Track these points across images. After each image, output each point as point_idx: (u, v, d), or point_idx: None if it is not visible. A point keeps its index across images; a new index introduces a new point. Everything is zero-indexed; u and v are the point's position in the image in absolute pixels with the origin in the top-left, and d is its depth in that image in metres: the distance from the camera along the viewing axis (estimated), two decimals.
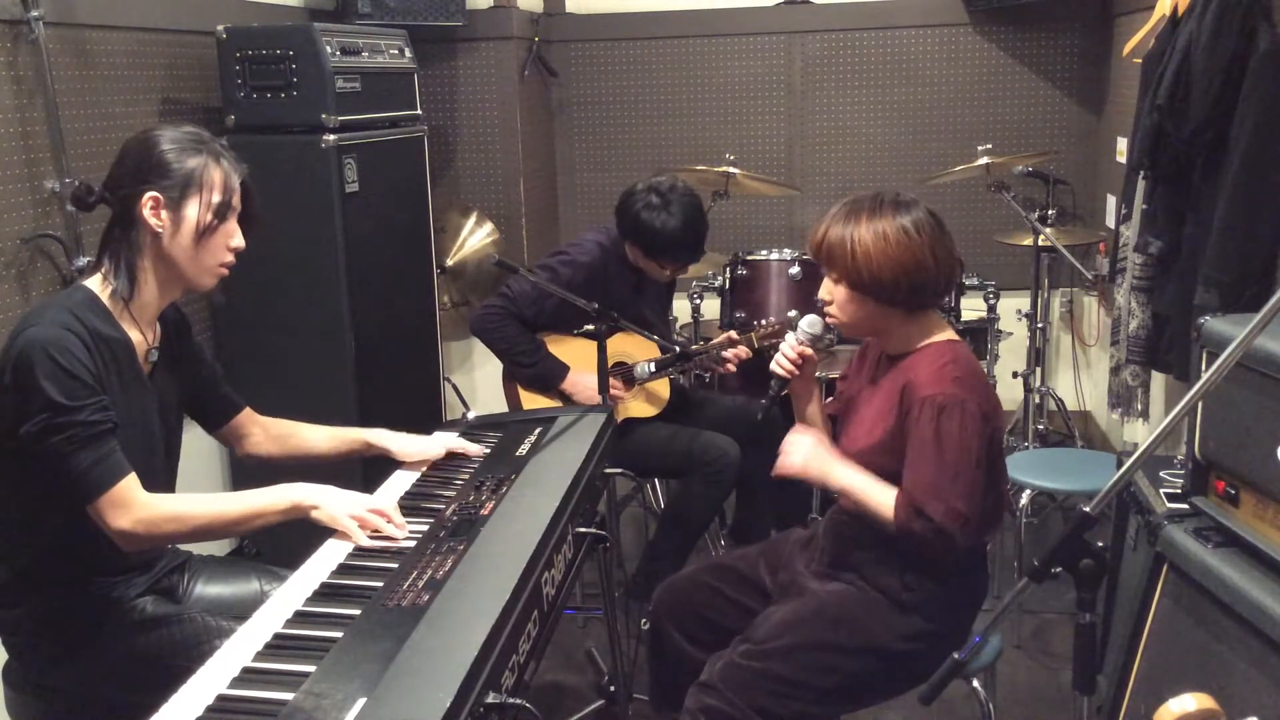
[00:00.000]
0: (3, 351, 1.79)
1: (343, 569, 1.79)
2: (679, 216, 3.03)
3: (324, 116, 3.22)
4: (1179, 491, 2.19)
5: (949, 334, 2.12)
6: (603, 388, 2.78)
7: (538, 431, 2.37)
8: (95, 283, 1.87)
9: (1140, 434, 3.74)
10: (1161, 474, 2.35)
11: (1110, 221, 4.06)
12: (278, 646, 1.55)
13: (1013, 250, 4.39)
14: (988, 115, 4.77)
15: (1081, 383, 4.88)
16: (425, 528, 1.90)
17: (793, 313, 3.51)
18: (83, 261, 2.72)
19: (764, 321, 3.41)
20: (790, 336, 2.23)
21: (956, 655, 1.55)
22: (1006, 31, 4.71)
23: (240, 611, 1.80)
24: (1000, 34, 4.72)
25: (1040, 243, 3.99)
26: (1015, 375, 4.32)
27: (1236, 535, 1.94)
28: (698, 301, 3.97)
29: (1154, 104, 2.88)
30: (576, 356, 3.14)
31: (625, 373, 3.19)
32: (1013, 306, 4.32)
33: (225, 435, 2.21)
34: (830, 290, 2.10)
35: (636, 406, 3.21)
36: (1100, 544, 1.47)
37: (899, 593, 2.06)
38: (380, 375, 3.47)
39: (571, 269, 3.10)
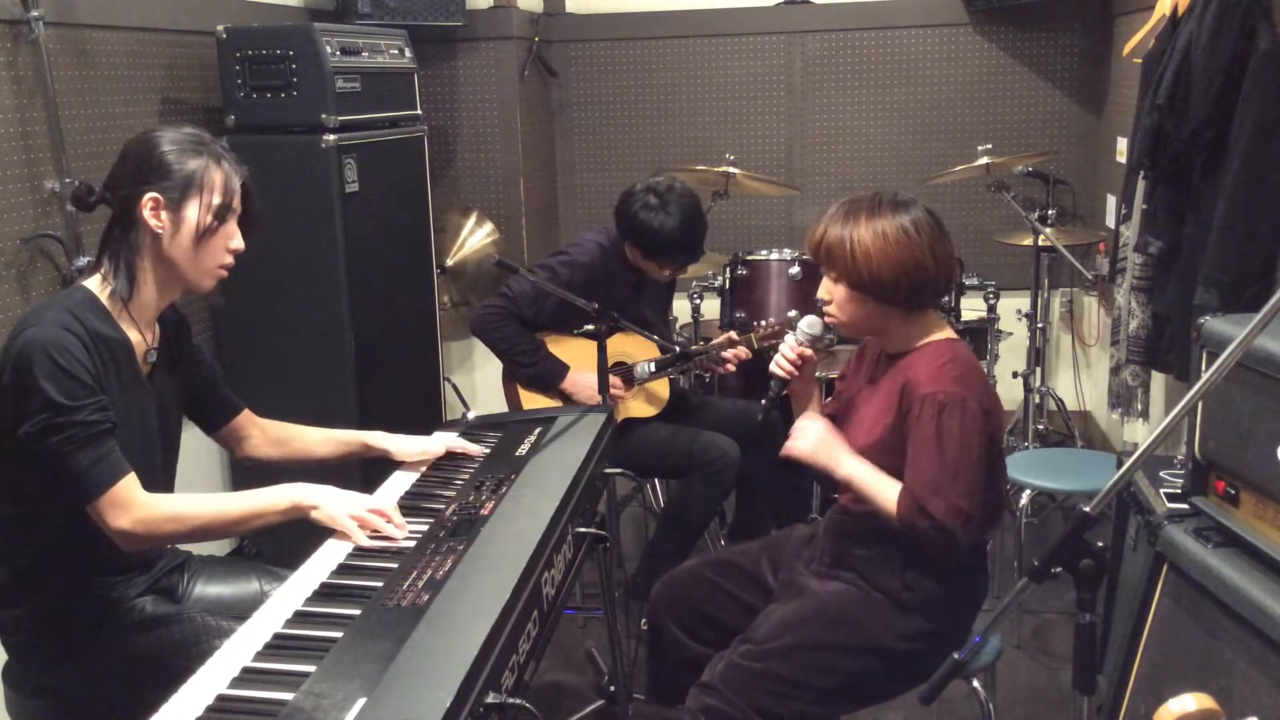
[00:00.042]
0: (2, 351, 1.79)
1: (343, 569, 1.79)
2: (676, 217, 3.04)
3: (324, 116, 3.22)
4: (1179, 491, 2.19)
5: (948, 332, 2.12)
6: (603, 388, 2.78)
7: (538, 431, 2.37)
8: (94, 283, 1.87)
9: (1140, 434, 3.74)
10: (1161, 474, 2.35)
11: (1110, 221, 4.06)
12: (278, 646, 1.55)
13: (1013, 250, 4.39)
14: (988, 115, 4.77)
15: (1081, 383, 4.88)
16: (425, 528, 1.90)
17: (793, 313, 3.51)
18: (83, 261, 2.72)
19: (764, 322, 3.41)
20: (789, 337, 2.23)
21: (956, 655, 1.55)
22: (1006, 31, 4.71)
23: (240, 611, 1.80)
24: (1000, 34, 4.72)
25: (1040, 243, 3.99)
26: (1015, 375, 4.32)
27: (1236, 535, 1.94)
28: (698, 301, 3.97)
29: (1154, 104, 2.88)
30: (576, 356, 3.14)
31: (625, 373, 3.19)
32: (1013, 306, 4.32)
33: (224, 437, 2.21)
34: (829, 290, 2.10)
35: (636, 406, 3.21)
36: (1100, 544, 1.47)
37: (899, 592, 2.06)
38: (380, 375, 3.47)
39: (571, 269, 3.10)
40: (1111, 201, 4.14)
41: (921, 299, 2.06)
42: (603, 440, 2.32)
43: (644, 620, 2.47)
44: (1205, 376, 1.41)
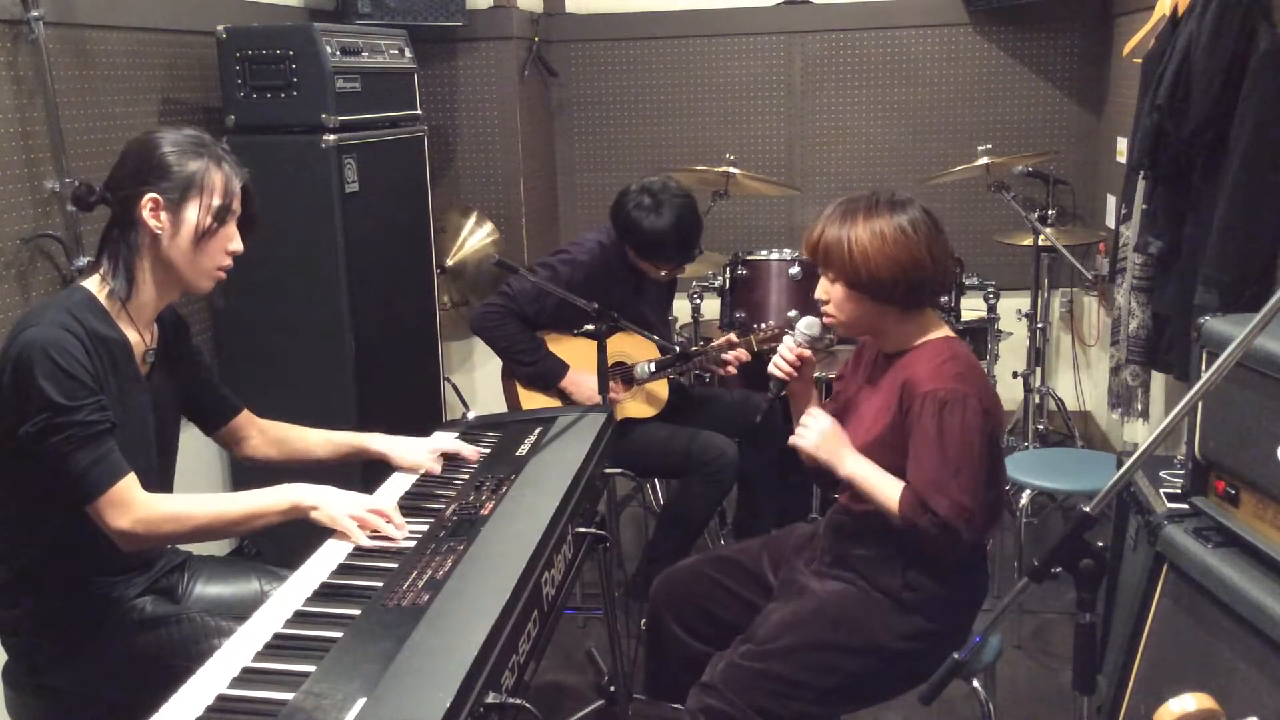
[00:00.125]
0: (2, 352, 1.79)
1: (343, 569, 1.79)
2: (669, 217, 3.04)
3: (324, 116, 3.22)
4: (1179, 491, 2.19)
5: (946, 331, 2.13)
6: (602, 388, 2.78)
7: (538, 431, 2.37)
8: (93, 283, 1.87)
9: (1140, 434, 3.74)
10: (1161, 474, 2.35)
11: (1110, 221, 4.06)
12: (278, 646, 1.55)
13: (1013, 250, 4.39)
14: (988, 115, 4.77)
15: (1081, 383, 4.88)
16: (425, 528, 1.90)
17: (792, 313, 3.52)
18: (82, 261, 2.72)
19: (764, 325, 3.41)
20: (788, 338, 2.23)
21: (956, 655, 1.55)
22: (1006, 31, 4.71)
23: (240, 611, 1.80)
24: (1000, 34, 4.72)
25: (1040, 243, 4.00)
26: (1015, 375, 4.33)
27: (1236, 535, 1.94)
28: (698, 301, 3.97)
29: (1154, 104, 2.88)
30: (576, 356, 3.14)
31: (625, 373, 3.19)
32: (1013, 306, 4.32)
33: (223, 437, 2.21)
34: (827, 290, 2.10)
35: (635, 407, 3.21)
36: (1100, 544, 1.47)
37: (899, 592, 2.06)
38: (380, 375, 3.47)
39: (571, 268, 3.10)
40: (1111, 201, 4.14)
41: (919, 298, 2.06)
42: (603, 440, 2.32)
43: (644, 620, 2.47)
44: (1205, 376, 1.41)
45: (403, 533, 1.88)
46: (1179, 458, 2.38)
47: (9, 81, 2.63)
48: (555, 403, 3.14)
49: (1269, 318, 1.34)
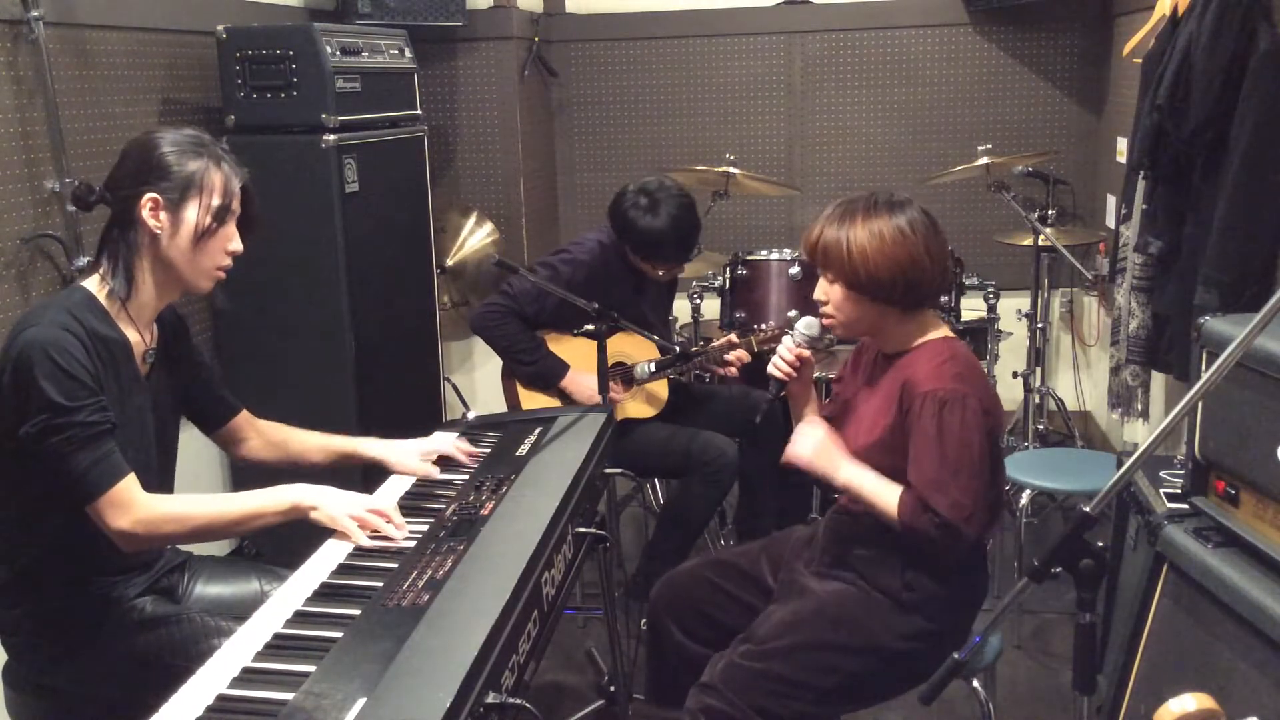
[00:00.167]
0: (2, 352, 1.79)
1: (343, 569, 1.79)
2: (665, 217, 3.04)
3: (324, 116, 3.22)
4: (1179, 491, 2.19)
5: (945, 331, 2.13)
6: (602, 388, 2.78)
7: (538, 431, 2.37)
8: (93, 283, 1.87)
9: (1140, 434, 3.74)
10: (1161, 474, 2.35)
11: (1110, 221, 4.06)
12: (278, 646, 1.55)
13: (1013, 250, 4.39)
14: (988, 115, 4.77)
15: (1081, 383, 4.88)
16: (425, 528, 1.90)
17: (793, 313, 3.52)
18: (83, 261, 2.72)
19: (764, 326, 3.42)
20: (787, 339, 2.23)
21: (956, 655, 1.55)
22: (1006, 31, 4.71)
23: (240, 611, 1.80)
24: (1000, 34, 4.72)
25: (1040, 243, 4.00)
26: (1015, 375, 4.32)
27: (1236, 535, 1.94)
28: (698, 301, 3.97)
29: (1154, 104, 2.88)
30: (576, 356, 3.14)
31: (625, 373, 3.19)
32: (1013, 306, 4.32)
33: (221, 437, 2.21)
34: (826, 291, 2.10)
35: (635, 407, 3.21)
36: (1100, 544, 1.47)
37: (899, 592, 2.06)
38: (380, 375, 3.47)
39: (572, 267, 3.10)
40: (1111, 201, 4.14)
41: (918, 298, 2.06)
42: (603, 440, 2.32)
43: (644, 620, 2.47)
44: (1205, 376, 1.41)
45: (403, 533, 1.89)
46: (1179, 458, 2.38)
47: (9, 81, 2.63)
48: (555, 403, 3.14)
49: (1269, 318, 1.34)
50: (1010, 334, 4.12)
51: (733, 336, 3.22)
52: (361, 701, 1.34)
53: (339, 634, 1.53)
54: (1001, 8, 4.62)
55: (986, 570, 2.26)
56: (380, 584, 1.69)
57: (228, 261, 1.94)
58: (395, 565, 1.76)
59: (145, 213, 1.84)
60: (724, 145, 4.67)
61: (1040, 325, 4.27)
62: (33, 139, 2.69)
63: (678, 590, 2.34)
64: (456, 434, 2.37)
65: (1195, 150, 2.79)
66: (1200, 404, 2.00)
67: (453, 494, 2.07)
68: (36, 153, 2.71)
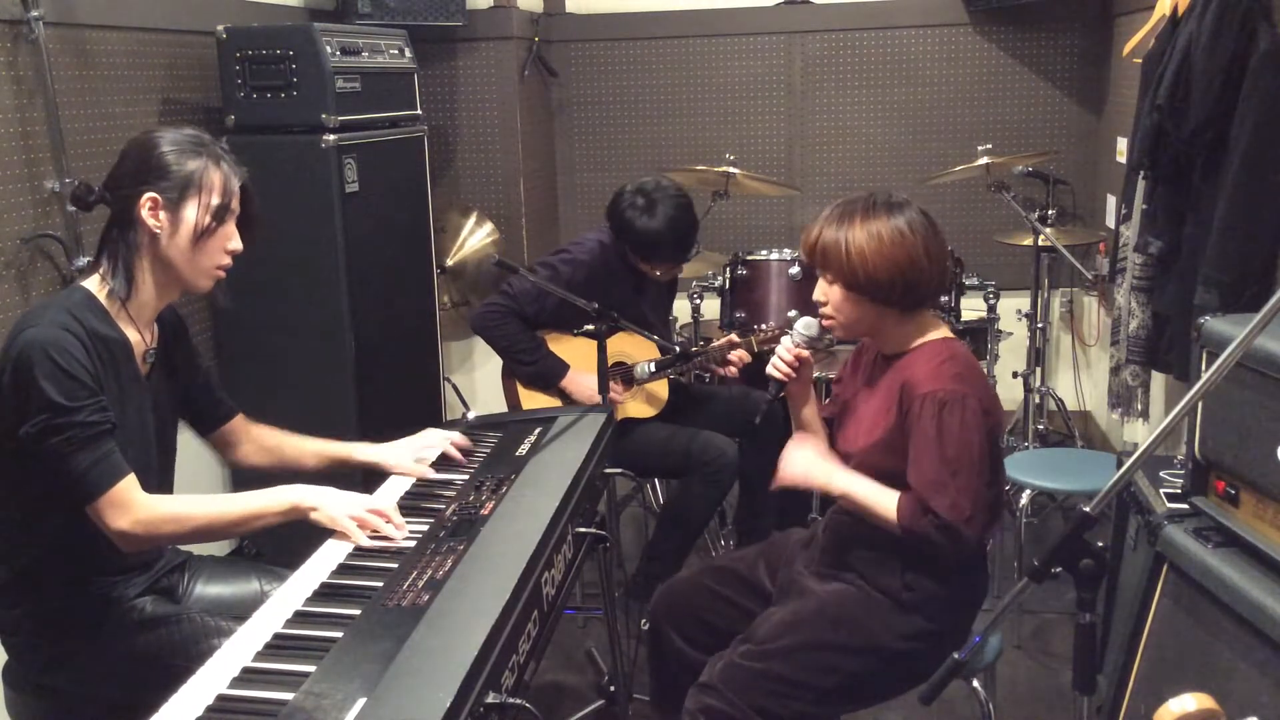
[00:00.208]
0: (2, 352, 1.79)
1: (343, 569, 1.79)
2: (662, 217, 3.04)
3: (324, 116, 3.22)
4: (1179, 491, 2.19)
5: (944, 331, 2.13)
6: (602, 388, 2.78)
7: (538, 431, 2.37)
8: (93, 283, 1.87)
9: (1140, 434, 3.74)
10: (1161, 474, 2.35)
11: (1110, 221, 4.06)
12: (278, 646, 1.55)
13: (1013, 250, 4.39)
14: (988, 115, 4.77)
15: (1081, 383, 4.88)
16: (425, 528, 1.90)
17: (792, 313, 3.52)
18: (82, 261, 2.72)
19: (764, 326, 3.42)
20: (786, 339, 2.23)
21: (956, 655, 1.55)
22: (1006, 31, 4.71)
23: (240, 611, 1.80)
24: (1000, 34, 4.72)
25: (1040, 243, 4.00)
26: (1015, 375, 4.32)
27: (1236, 535, 1.94)
28: (698, 301, 3.97)
29: (1154, 104, 2.88)
30: (576, 355, 3.14)
31: (625, 373, 3.19)
32: (1013, 306, 4.32)
33: (216, 440, 2.21)
34: (825, 291, 2.10)
35: (635, 407, 3.21)
36: (1100, 544, 1.47)
37: (899, 592, 2.06)
38: (380, 375, 3.47)
39: (572, 267, 3.10)
40: (1111, 201, 4.14)
41: (917, 299, 2.06)
42: (603, 440, 2.32)
43: (644, 620, 2.47)
44: (1205, 376, 1.41)
45: (402, 533, 1.89)
46: (1179, 458, 2.38)
47: (9, 81, 2.63)
48: (555, 402, 3.14)
49: (1269, 318, 1.34)
50: (1010, 334, 4.12)
51: (733, 336, 3.22)
52: (361, 701, 1.34)
53: (339, 634, 1.53)
54: (1001, 8, 4.62)
55: (986, 570, 2.26)
56: (380, 584, 1.69)
57: (227, 260, 1.94)
58: (395, 565, 1.76)
59: (144, 212, 1.84)
60: (724, 145, 4.67)
61: (1040, 325, 4.27)
62: (33, 139, 2.69)
63: (677, 598, 2.34)
64: (458, 432, 2.37)
65: (1195, 150, 2.79)
66: (1200, 404, 2.00)
67: (453, 494, 2.07)
68: (36, 153, 2.70)
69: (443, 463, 2.25)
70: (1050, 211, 4.38)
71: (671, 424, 3.19)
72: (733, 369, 3.17)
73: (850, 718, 2.44)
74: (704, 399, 3.38)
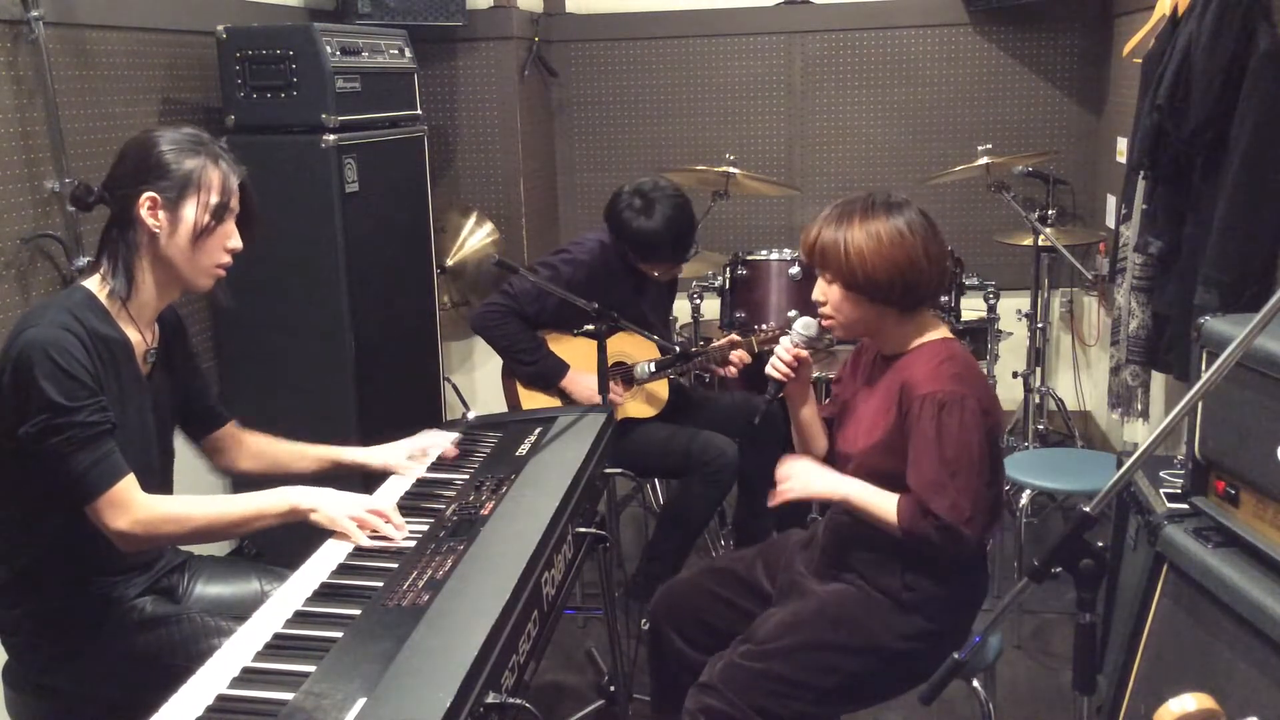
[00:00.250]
0: (2, 352, 1.79)
1: (343, 569, 1.79)
2: (659, 218, 3.04)
3: (324, 116, 3.22)
4: (1179, 491, 2.19)
5: (943, 332, 2.12)
6: (602, 388, 2.78)
7: (538, 431, 2.37)
8: (94, 283, 1.87)
9: (1140, 434, 3.74)
10: (1161, 474, 2.35)
11: (1110, 221, 4.06)
12: (278, 646, 1.55)
13: (1013, 250, 4.39)
14: (988, 115, 4.77)
15: (1081, 383, 4.88)
16: (425, 528, 1.90)
17: (792, 313, 3.52)
18: (82, 261, 2.72)
19: (764, 326, 3.42)
20: (785, 339, 2.22)
21: (956, 655, 1.55)
22: (1006, 31, 4.71)
23: (240, 611, 1.80)
24: (1000, 34, 4.72)
25: (1040, 243, 4.00)
26: (1015, 375, 4.32)
27: (1236, 535, 1.94)
28: (698, 301, 3.97)
29: (1154, 104, 2.88)
30: (576, 356, 3.14)
31: (625, 373, 3.19)
32: (1013, 306, 4.32)
33: (207, 446, 2.19)
34: (824, 291, 2.10)
35: (635, 407, 3.21)
36: (1100, 544, 1.47)
37: (899, 593, 2.06)
38: (380, 375, 3.47)
39: (572, 267, 3.10)
40: (1111, 201, 4.14)
41: (916, 299, 2.06)
42: (603, 440, 2.32)
43: (644, 620, 2.47)
44: (1205, 376, 1.41)
45: (402, 533, 1.89)
46: (1179, 458, 2.38)
47: (9, 81, 2.63)
48: (555, 402, 3.14)
49: (1269, 318, 1.34)
50: (1010, 334, 4.12)
51: (733, 336, 3.22)
52: (361, 701, 1.34)
53: (339, 634, 1.53)
54: (1001, 8, 4.62)
55: (986, 570, 2.26)
56: (380, 584, 1.69)
57: (227, 259, 1.94)
58: (395, 565, 1.76)
59: (144, 212, 1.84)
60: (724, 145, 4.67)
61: (1040, 325, 4.27)
62: (33, 139, 2.69)
63: (677, 599, 2.34)
64: (457, 433, 2.37)
65: (1195, 150, 2.79)
66: (1200, 404, 2.00)
67: (453, 494, 2.07)
68: (36, 153, 2.70)
69: (441, 463, 2.25)
70: (1050, 211, 4.38)
71: (671, 424, 3.19)
72: (733, 369, 3.17)
73: (850, 718, 2.44)
74: (704, 400, 3.38)
